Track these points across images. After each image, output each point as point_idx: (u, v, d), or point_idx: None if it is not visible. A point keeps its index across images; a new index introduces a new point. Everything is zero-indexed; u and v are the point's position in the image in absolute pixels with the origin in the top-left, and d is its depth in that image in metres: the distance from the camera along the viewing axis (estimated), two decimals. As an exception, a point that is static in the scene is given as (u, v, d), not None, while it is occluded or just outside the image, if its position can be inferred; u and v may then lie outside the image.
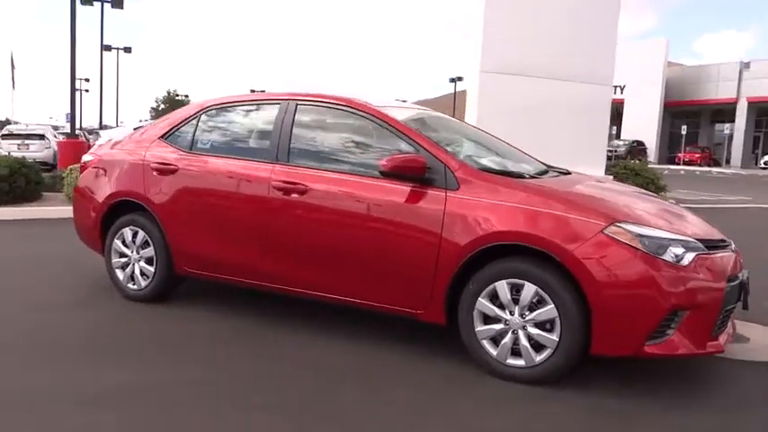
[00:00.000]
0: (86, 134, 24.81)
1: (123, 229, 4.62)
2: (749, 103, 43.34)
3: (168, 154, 4.48)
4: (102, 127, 36.79)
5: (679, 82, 46.81)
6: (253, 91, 68.37)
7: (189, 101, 73.20)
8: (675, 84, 46.55)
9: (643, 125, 44.91)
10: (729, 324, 3.57)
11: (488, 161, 4.05)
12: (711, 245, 3.39)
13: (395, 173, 3.53)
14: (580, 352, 3.20)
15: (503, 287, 3.31)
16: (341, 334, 4.02)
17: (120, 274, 4.68)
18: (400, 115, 3.98)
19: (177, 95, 71.76)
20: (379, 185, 3.66)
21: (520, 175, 3.79)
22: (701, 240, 3.34)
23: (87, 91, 54.66)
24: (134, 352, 3.69)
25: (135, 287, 4.61)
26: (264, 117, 4.33)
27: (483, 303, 3.37)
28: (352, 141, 4.08)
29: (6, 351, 3.62)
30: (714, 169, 37.28)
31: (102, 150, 4.99)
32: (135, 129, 12.63)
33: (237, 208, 4.12)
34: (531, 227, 3.26)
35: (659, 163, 39.92)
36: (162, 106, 69.82)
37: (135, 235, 4.58)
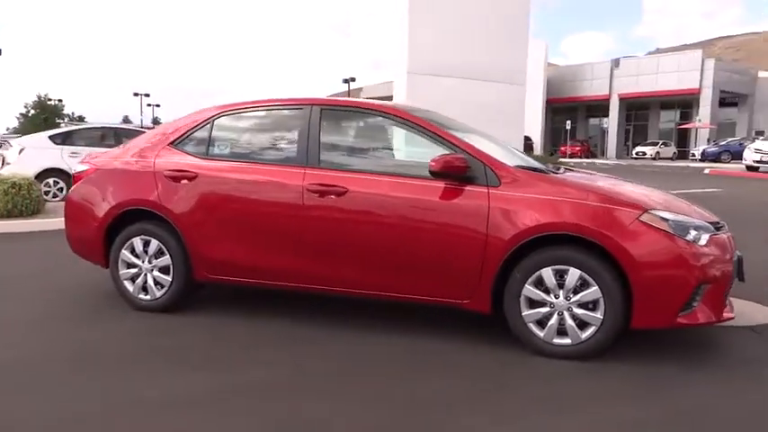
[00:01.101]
0: None
1: (133, 239, 4.50)
2: (620, 99, 47.04)
3: (183, 160, 4.42)
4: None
5: (558, 80, 49.94)
6: (136, 95, 63.97)
7: (63, 105, 68.70)
8: (555, 82, 49.57)
9: (529, 121, 47.25)
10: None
11: (515, 158, 4.30)
12: (716, 226, 3.88)
13: (443, 172, 3.74)
14: (620, 327, 3.58)
15: (548, 273, 3.62)
16: (374, 328, 4.17)
17: (129, 286, 4.54)
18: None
19: (49, 100, 66.98)
20: (422, 185, 3.84)
21: (544, 171, 4.10)
22: (709, 223, 3.82)
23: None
24: (164, 360, 3.65)
25: (148, 297, 4.50)
26: (287, 122, 4.39)
27: (529, 289, 3.67)
28: (385, 144, 4.24)
29: (30, 368, 3.50)
30: (597, 160, 40.08)
31: (99, 160, 4.81)
32: (50, 137, 11.99)
33: (269, 212, 4.14)
34: (578, 218, 3.57)
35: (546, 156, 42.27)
36: (32, 111, 64.97)
37: (147, 244, 4.47)
